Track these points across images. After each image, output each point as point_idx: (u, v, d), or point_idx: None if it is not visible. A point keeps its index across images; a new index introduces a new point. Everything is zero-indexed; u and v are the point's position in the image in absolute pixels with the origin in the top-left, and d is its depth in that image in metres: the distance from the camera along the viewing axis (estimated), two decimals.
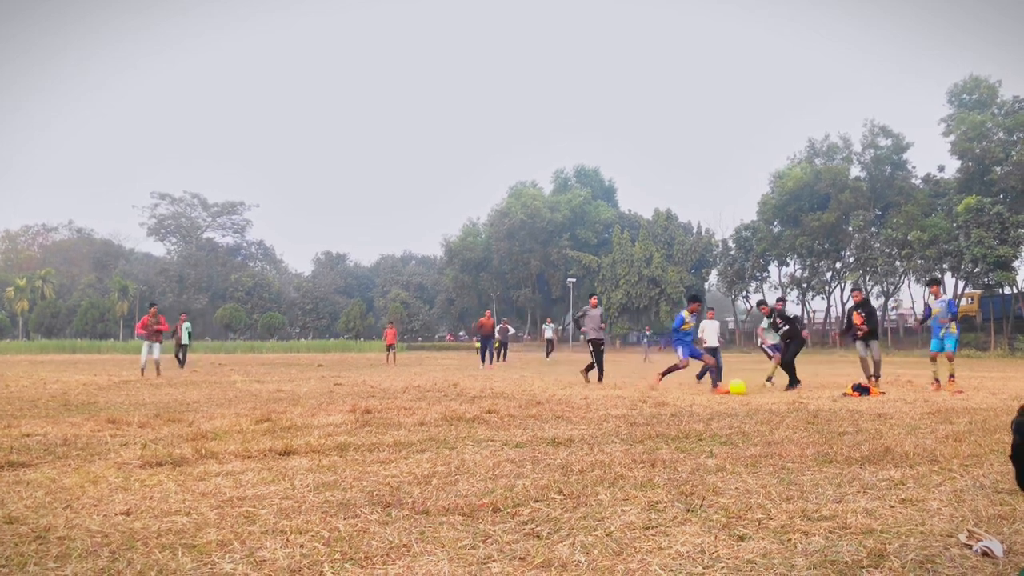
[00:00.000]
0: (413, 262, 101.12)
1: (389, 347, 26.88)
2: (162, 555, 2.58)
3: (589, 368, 13.57)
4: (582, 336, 15.95)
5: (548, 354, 32.12)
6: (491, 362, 22.30)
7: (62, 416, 7.24)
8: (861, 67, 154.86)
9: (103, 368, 20.38)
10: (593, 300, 14.32)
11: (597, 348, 13.66)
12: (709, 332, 14.10)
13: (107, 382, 13.22)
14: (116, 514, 3.18)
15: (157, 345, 15.81)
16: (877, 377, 11.50)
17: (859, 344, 11.87)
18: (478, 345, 24.12)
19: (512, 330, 33.99)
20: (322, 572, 2.42)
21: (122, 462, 4.48)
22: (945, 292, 12.57)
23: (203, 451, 4.79)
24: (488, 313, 23.79)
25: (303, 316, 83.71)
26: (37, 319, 72.79)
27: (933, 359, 11.52)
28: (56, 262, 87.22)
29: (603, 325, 14.40)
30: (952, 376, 11.64)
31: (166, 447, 5.01)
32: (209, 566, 2.47)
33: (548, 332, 32.47)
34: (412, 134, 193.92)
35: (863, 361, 11.77)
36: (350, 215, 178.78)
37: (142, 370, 15.92)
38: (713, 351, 13.31)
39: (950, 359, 11.41)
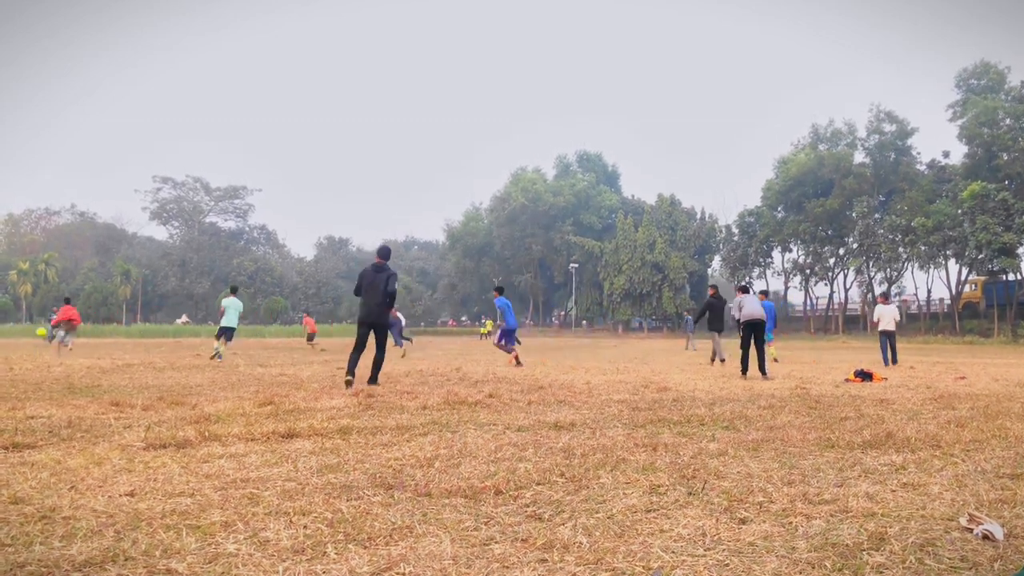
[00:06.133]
0: (415, 247, 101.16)
1: None
2: (166, 535, 2.60)
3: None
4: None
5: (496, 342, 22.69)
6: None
7: (66, 398, 7.27)
8: (865, 56, 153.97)
9: (106, 352, 20.46)
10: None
11: None
12: (886, 317, 14.25)
13: (110, 365, 13.26)
14: (120, 495, 3.19)
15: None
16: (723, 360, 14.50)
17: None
18: (491, 330, 19.52)
19: (403, 320, 23.42)
20: (325, 552, 2.43)
21: (126, 444, 4.50)
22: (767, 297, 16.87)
23: (206, 433, 4.81)
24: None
25: (306, 300, 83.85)
26: (40, 303, 73.00)
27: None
28: (59, 246, 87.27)
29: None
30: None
31: (170, 429, 5.03)
32: (213, 546, 2.48)
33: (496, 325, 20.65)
34: (417, 121, 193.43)
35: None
36: (353, 201, 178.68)
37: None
38: (889, 335, 14.02)
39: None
